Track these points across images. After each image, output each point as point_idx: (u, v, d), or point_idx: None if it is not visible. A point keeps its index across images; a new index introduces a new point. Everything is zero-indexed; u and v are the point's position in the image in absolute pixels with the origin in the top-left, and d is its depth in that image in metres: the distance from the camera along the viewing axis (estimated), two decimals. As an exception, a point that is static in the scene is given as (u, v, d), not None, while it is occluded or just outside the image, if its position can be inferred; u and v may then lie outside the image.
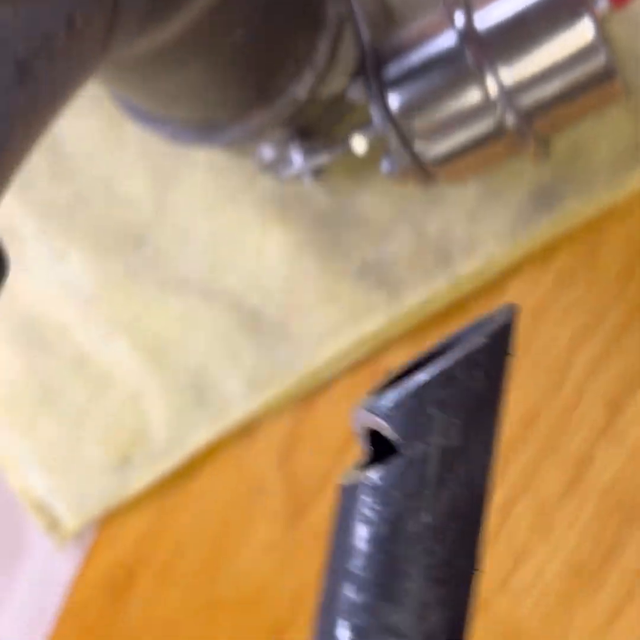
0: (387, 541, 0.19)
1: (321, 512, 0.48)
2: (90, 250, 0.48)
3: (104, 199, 0.47)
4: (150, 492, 0.50)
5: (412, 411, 0.20)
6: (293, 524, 0.48)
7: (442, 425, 0.20)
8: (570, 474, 0.45)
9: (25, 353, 0.49)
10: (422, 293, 0.46)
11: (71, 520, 0.50)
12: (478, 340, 0.20)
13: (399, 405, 0.20)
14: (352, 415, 0.21)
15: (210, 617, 0.49)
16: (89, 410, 0.49)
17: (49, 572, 0.52)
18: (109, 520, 0.50)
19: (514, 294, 0.46)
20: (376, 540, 0.19)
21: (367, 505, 0.19)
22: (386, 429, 0.20)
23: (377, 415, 0.20)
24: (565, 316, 0.46)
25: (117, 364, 0.48)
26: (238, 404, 0.48)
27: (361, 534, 0.19)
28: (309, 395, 0.48)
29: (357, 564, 0.19)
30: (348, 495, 0.20)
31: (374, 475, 0.19)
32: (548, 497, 0.45)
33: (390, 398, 0.20)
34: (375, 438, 0.20)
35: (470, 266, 0.45)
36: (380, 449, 0.20)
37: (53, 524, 0.51)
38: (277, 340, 0.47)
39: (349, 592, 0.19)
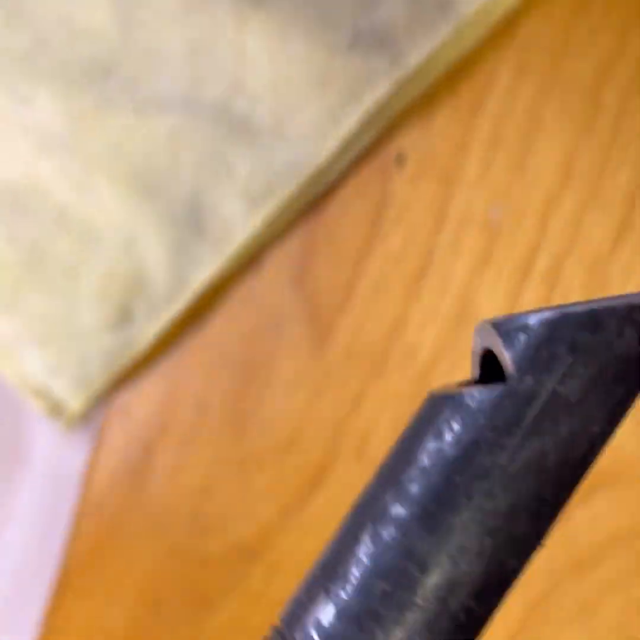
0: (450, 464, 0.17)
1: (348, 331, 0.44)
2: (56, 90, 0.45)
3: (65, 37, 0.44)
4: (158, 349, 0.47)
5: (537, 341, 0.17)
6: (319, 350, 0.45)
7: (563, 370, 0.17)
8: (618, 218, 0.41)
9: (7, 220, 0.46)
10: (426, 48, 0.42)
11: (76, 399, 0.46)
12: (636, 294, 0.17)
13: (525, 330, 0.17)
14: (475, 329, 0.19)
15: (243, 475, 0.46)
16: (78, 272, 0.46)
17: (58, 467, 0.48)
18: (117, 394, 0.48)
19: (526, 34, 0.43)
20: (439, 459, 0.17)
21: (446, 419, 0.17)
22: (501, 353, 0.17)
23: (500, 334, 0.17)
24: (586, 49, 0.42)
25: (103, 212, 0.45)
26: (239, 226, 0.44)
27: (427, 447, 0.18)
28: (316, 202, 0.44)
29: (410, 476, 0.18)
30: (432, 405, 0.18)
31: (466, 392, 0.17)
32: (599, 249, 0.41)
33: (519, 320, 0.17)
34: (489, 362, 0.18)
35: (474, 4, 0.41)
36: (491, 376, 0.18)
37: (56, 408, 0.47)
38: (272, 144, 0.43)
39: (389, 500, 0.17)
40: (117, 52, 0.45)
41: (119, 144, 0.45)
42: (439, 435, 0.17)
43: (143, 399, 0.47)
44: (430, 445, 0.17)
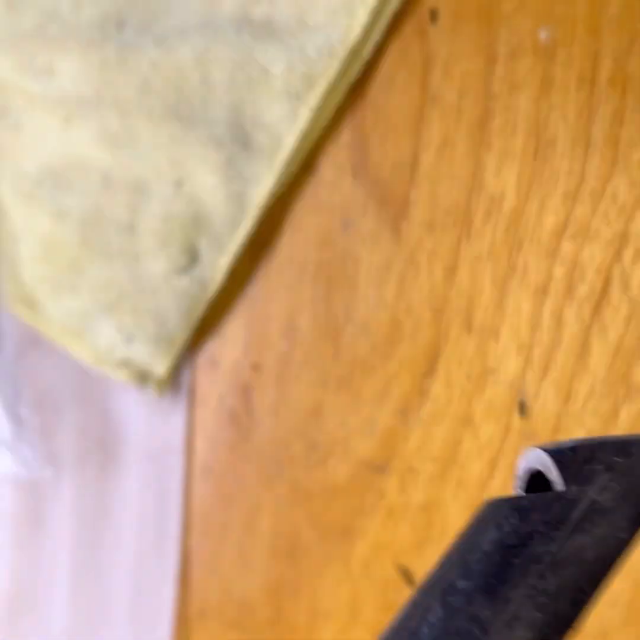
0: (509, 549, 0.21)
1: (424, 204, 0.42)
2: (73, 51, 0.45)
3: (71, 3, 0.44)
4: (232, 288, 0.45)
5: (580, 460, 0.22)
6: (398, 234, 0.42)
7: (602, 484, 0.21)
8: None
9: (53, 199, 0.45)
10: None
11: (161, 361, 0.45)
12: None
13: (571, 451, 0.22)
14: (522, 455, 0.23)
15: (351, 387, 0.44)
16: (134, 227, 0.45)
17: (157, 439, 0.47)
18: (202, 347, 0.46)
19: None
20: (500, 545, 0.21)
21: (505, 516, 0.21)
22: (550, 470, 0.22)
23: (549, 453, 0.22)
24: None
25: (146, 160, 0.44)
26: (286, 128, 0.43)
27: (489, 537, 0.21)
28: (358, 85, 0.44)
29: (474, 558, 0.21)
30: (489, 508, 0.22)
31: (522, 496, 0.22)
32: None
33: (566, 444, 0.22)
34: (532, 484, 0.22)
35: None
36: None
37: (142, 375, 0.46)
38: (300, 35, 0.43)
39: (457, 578, 0.21)
40: (125, 3, 0.45)
41: (147, 81, 0.44)
42: (500, 528, 0.20)
43: (228, 344, 0.45)
44: (492, 535, 0.20)
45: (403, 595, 0.44)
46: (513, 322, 0.42)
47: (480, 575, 0.20)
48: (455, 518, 0.43)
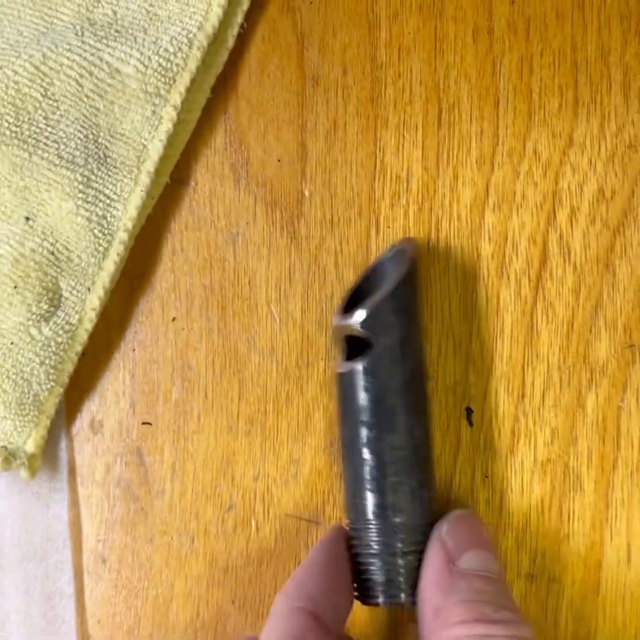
0: (381, 397, 0.34)
1: (311, 196, 0.36)
2: None
3: None
4: (108, 329, 0.39)
5: (377, 319, 0.34)
6: (294, 234, 0.36)
7: (398, 324, 0.34)
8: None
9: None
10: None
11: (29, 434, 0.38)
12: (404, 268, 0.34)
13: (369, 316, 0.34)
14: (332, 327, 0.37)
15: (261, 423, 0.37)
16: None
17: (39, 533, 0.39)
18: (79, 410, 0.39)
19: None
20: (375, 398, 0.34)
21: (364, 380, 0.34)
22: (362, 333, 0.34)
23: (354, 325, 0.34)
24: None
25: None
26: (150, 134, 0.38)
27: (364, 397, 0.34)
28: (231, 66, 0.39)
29: (365, 415, 0.34)
30: (346, 378, 0.35)
31: (363, 362, 0.34)
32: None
33: (362, 313, 0.34)
34: (349, 340, 0.35)
35: None
36: (351, 346, 0.35)
37: (9, 455, 0.38)
38: (150, 29, 0.38)
39: (364, 432, 0.34)
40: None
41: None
42: (366, 389, 0.34)
43: (111, 401, 0.38)
44: (364, 396, 0.34)
45: (363, 674, 0.36)
46: (444, 318, 0.36)
47: (376, 423, 0.34)
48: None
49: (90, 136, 0.39)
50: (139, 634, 0.37)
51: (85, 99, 0.39)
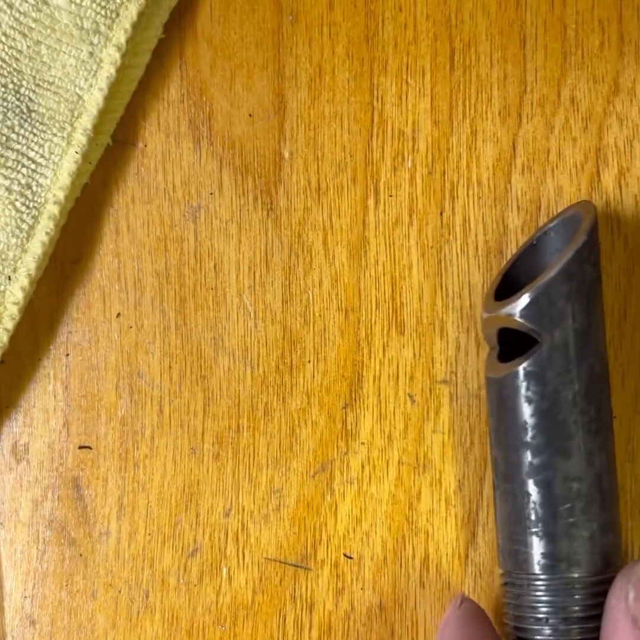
0: (549, 412, 0.27)
1: (293, 158, 0.30)
2: None
3: None
4: (37, 329, 0.32)
5: (545, 306, 0.27)
6: (271, 206, 0.30)
7: (572, 313, 0.27)
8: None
9: None
10: None
11: None
12: (580, 239, 0.27)
13: (534, 303, 0.27)
14: (483, 319, 0.29)
15: (233, 443, 0.30)
16: None
17: None
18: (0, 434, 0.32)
19: None
20: (541, 413, 0.27)
21: (527, 388, 0.27)
22: (524, 325, 0.27)
23: (514, 314, 0.27)
24: None
25: None
26: (86, 82, 0.32)
27: (527, 410, 0.27)
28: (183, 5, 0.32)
29: (530, 435, 0.27)
30: (502, 385, 0.28)
31: (525, 364, 0.27)
32: None
33: (525, 299, 0.27)
34: (504, 335, 0.29)
35: None
36: (507, 343, 0.29)
37: None
38: None
39: (528, 458, 0.27)
40: None
41: None
42: (529, 400, 0.28)
43: (40, 422, 0.31)
44: (528, 409, 0.28)
45: None
46: (462, 306, 0.30)
47: (545, 445, 0.27)
48: (428, 617, 0.29)
49: (10, 85, 0.32)
50: None
51: (3, 39, 0.32)
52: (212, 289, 0.31)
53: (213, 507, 0.31)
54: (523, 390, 0.27)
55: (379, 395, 0.30)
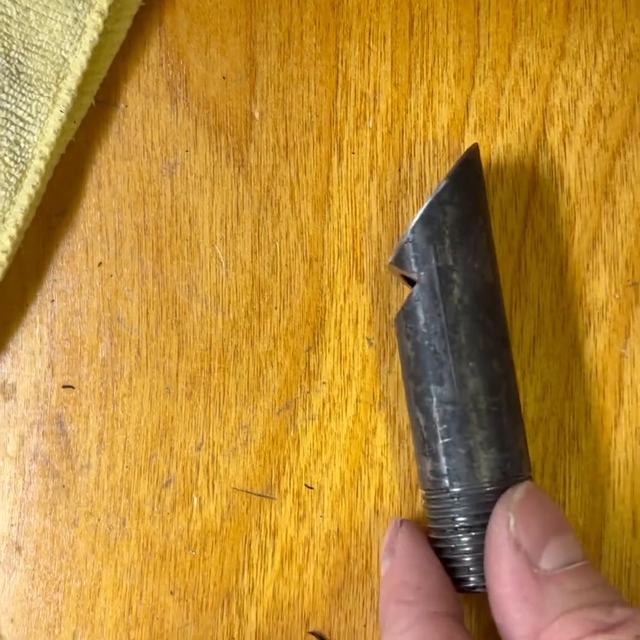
0: (422, 344, 0.31)
1: (263, 117, 0.33)
2: None
3: None
4: (24, 276, 0.35)
5: (410, 252, 0.31)
6: (242, 163, 0.33)
7: (434, 253, 0.31)
8: None
9: None
10: None
11: None
12: (441, 183, 0.30)
13: (401, 252, 0.31)
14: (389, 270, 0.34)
15: (205, 382, 0.33)
16: None
17: None
18: None
19: None
20: (416, 346, 0.31)
21: (405, 326, 0.31)
22: (400, 272, 0.31)
23: (393, 264, 0.31)
24: None
25: None
26: (71, 46, 0.35)
27: (408, 345, 0.31)
28: None
29: (412, 366, 0.31)
30: (396, 327, 0.32)
31: (404, 304, 0.31)
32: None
33: (395, 250, 0.31)
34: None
35: None
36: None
37: None
38: None
39: (411, 387, 0.31)
40: None
41: None
42: (407, 335, 0.31)
43: (26, 361, 0.35)
44: (407, 343, 0.31)
45: (326, 673, 0.32)
46: (418, 255, 0.32)
47: (422, 376, 0.31)
48: (382, 542, 0.32)
49: (1, 49, 0.35)
50: (60, 634, 0.33)
51: (-6, 5, 0.34)
52: (186, 240, 0.34)
53: (186, 441, 0.34)
54: (404, 328, 0.31)
55: (340, 338, 0.33)
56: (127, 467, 0.34)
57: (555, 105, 0.33)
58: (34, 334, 0.35)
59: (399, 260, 0.30)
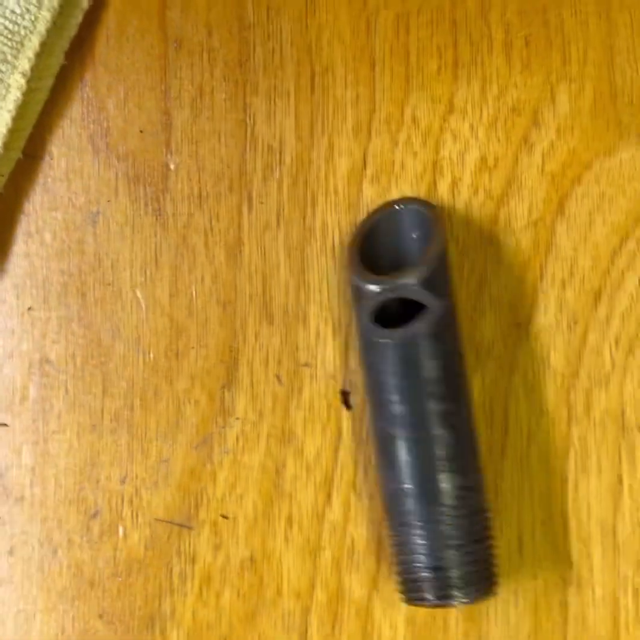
0: (450, 366, 0.33)
1: (178, 169, 0.35)
2: None
3: None
4: None
5: (435, 278, 0.33)
6: (160, 212, 0.35)
7: (450, 283, 0.34)
8: None
9: None
10: None
11: None
12: (441, 224, 0.34)
13: (429, 275, 0.33)
14: (371, 293, 0.33)
15: (128, 419, 0.36)
16: None
17: None
18: None
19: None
20: (445, 366, 0.33)
21: (431, 347, 0.33)
22: (421, 294, 0.33)
23: (415, 285, 0.33)
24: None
25: None
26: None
27: (433, 366, 0.33)
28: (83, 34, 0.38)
29: (436, 387, 0.33)
30: (405, 347, 0.33)
31: (427, 326, 0.33)
32: None
33: (424, 271, 0.33)
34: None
35: None
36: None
37: None
38: None
39: (434, 406, 0.33)
40: None
41: None
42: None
43: None
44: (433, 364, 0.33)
45: (242, 689, 0.35)
46: (321, 299, 0.35)
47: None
48: (291, 568, 0.35)
49: None
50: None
51: None
52: (109, 285, 0.37)
53: (111, 475, 0.37)
54: (427, 349, 0.32)
55: (252, 377, 0.36)
56: (58, 499, 0.37)
57: (445, 157, 0.35)
58: (-31, 375, 0.38)
59: (427, 283, 0.32)
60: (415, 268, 0.33)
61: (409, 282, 0.32)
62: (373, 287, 0.33)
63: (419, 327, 0.32)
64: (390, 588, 0.35)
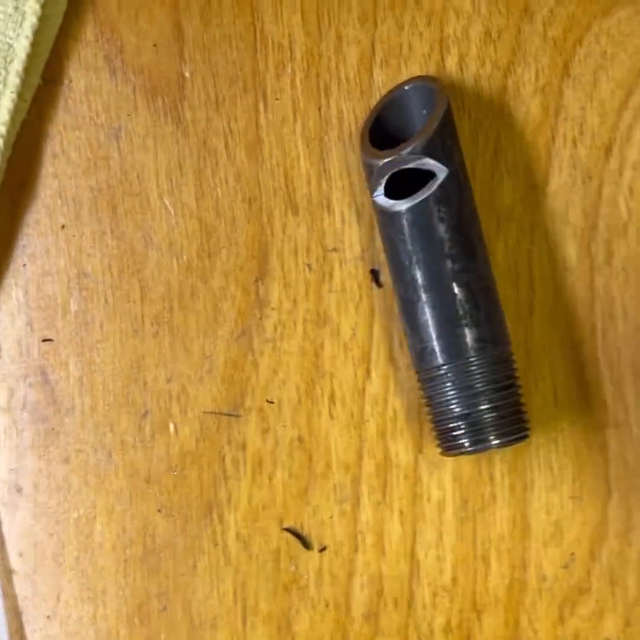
0: (459, 226, 0.35)
1: (193, 77, 0.38)
2: None
3: None
4: None
5: (439, 144, 0.35)
6: (179, 120, 0.38)
7: (456, 149, 0.36)
8: None
9: None
10: None
11: None
12: (444, 94, 0.35)
13: (431, 142, 0.35)
14: (373, 165, 0.35)
15: (167, 320, 0.38)
16: None
17: None
18: None
19: None
20: (454, 227, 0.35)
21: (438, 210, 0.35)
22: (425, 162, 0.35)
23: (414, 154, 0.35)
24: None
25: None
26: (15, 31, 0.40)
27: (442, 228, 0.35)
28: None
29: (447, 247, 0.35)
30: (414, 213, 0.35)
31: (432, 192, 0.35)
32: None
33: (425, 139, 0.35)
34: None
35: None
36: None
37: None
38: None
39: (449, 265, 0.35)
40: None
41: None
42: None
43: (6, 320, 0.39)
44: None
45: (301, 563, 0.37)
46: (343, 185, 0.37)
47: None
48: (338, 442, 0.37)
49: (-49, 41, 0.39)
50: (64, 561, 0.39)
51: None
52: (137, 195, 0.39)
53: (157, 376, 0.39)
54: (436, 213, 0.35)
55: (283, 267, 0.38)
56: (107, 405, 0.39)
57: (450, 35, 0.38)
58: (11, 296, 0.40)
59: (429, 150, 0.34)
60: (416, 137, 0.35)
61: (411, 151, 0.34)
62: (379, 161, 0.35)
63: (426, 192, 0.34)
64: (434, 450, 0.37)
